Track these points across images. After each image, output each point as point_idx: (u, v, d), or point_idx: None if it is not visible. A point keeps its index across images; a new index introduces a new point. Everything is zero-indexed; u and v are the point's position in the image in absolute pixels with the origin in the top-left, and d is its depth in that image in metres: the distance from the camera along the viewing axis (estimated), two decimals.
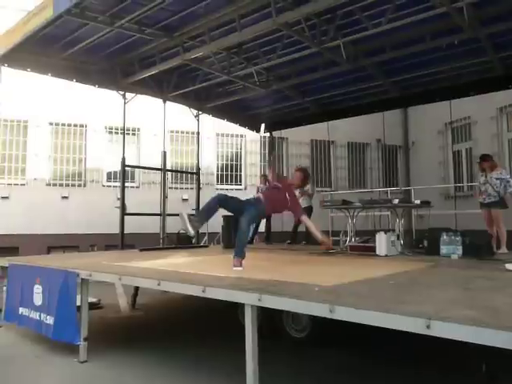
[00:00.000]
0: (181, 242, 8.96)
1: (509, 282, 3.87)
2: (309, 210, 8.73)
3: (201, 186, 10.83)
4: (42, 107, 11.61)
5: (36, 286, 5.05)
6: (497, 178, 7.00)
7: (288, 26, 6.51)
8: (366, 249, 6.56)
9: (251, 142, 14.15)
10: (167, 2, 6.05)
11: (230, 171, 14.01)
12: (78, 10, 6.10)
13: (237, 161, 14.16)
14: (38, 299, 5.00)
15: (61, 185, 11.99)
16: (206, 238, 11.38)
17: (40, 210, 11.38)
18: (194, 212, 9.84)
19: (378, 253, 6.22)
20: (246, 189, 13.78)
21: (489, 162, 7.26)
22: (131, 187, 11.87)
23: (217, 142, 13.87)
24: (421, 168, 14.42)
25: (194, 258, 6.51)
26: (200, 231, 10.26)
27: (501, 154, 11.70)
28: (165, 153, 9.67)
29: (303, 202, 8.19)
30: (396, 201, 7.03)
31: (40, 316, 4.92)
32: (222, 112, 10.92)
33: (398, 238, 6.59)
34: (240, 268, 4.46)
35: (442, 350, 3.84)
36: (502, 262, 4.65)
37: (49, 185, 11.89)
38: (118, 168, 9.43)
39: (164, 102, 9.69)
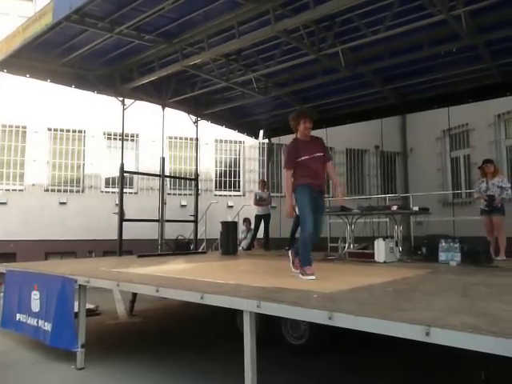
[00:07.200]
0: (179, 248, 8.95)
1: (508, 288, 3.87)
2: None
3: (199, 192, 10.83)
4: (41, 113, 11.60)
5: (33, 293, 5.03)
6: (498, 186, 6.98)
7: (287, 33, 6.54)
8: (364, 255, 6.56)
9: (250, 148, 14.16)
10: (166, 9, 6.06)
11: (229, 177, 13.99)
12: (78, 17, 6.11)
13: (235, 167, 14.15)
14: (35, 305, 4.98)
15: (59, 190, 11.94)
16: (204, 244, 11.35)
17: (38, 216, 11.35)
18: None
19: (376, 259, 6.23)
20: (244, 195, 13.77)
21: (493, 166, 7.24)
22: (129, 193, 11.87)
23: (215, 148, 13.86)
24: (419, 175, 14.42)
25: (192, 265, 6.49)
26: (198, 237, 10.28)
27: (499, 160, 11.71)
28: (163, 159, 9.66)
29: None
30: (394, 207, 7.05)
31: (37, 322, 4.90)
32: (220, 118, 10.95)
33: (397, 245, 6.61)
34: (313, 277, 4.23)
35: (443, 357, 3.82)
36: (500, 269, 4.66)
37: (47, 190, 11.84)
38: (117, 174, 9.42)
39: (163, 108, 9.69)
